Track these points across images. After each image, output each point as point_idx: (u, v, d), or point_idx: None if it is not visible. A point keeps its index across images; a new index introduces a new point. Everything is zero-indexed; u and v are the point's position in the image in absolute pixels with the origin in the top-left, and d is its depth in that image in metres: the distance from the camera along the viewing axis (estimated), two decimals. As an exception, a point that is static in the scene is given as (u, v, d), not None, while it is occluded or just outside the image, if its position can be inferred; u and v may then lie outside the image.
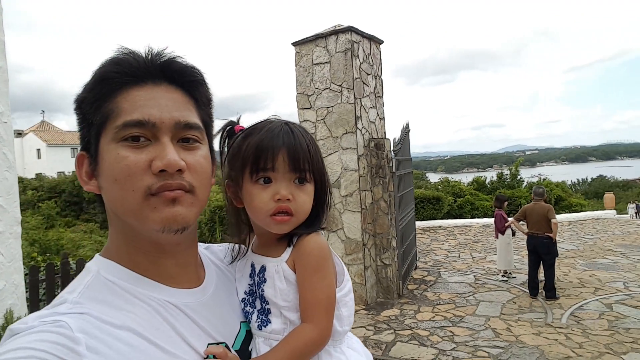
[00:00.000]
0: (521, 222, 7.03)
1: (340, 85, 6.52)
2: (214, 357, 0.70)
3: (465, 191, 19.73)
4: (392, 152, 7.19)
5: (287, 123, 0.85)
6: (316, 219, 0.86)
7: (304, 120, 6.87)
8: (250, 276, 0.87)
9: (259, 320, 0.83)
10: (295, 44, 6.95)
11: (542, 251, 6.51)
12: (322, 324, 0.79)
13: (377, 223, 6.81)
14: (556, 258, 6.73)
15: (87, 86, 0.70)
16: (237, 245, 0.92)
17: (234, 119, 0.90)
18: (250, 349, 0.82)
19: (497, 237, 7.85)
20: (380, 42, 7.36)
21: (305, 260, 0.81)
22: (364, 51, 6.85)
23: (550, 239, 6.47)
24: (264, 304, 0.83)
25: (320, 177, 0.85)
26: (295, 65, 6.94)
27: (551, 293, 6.51)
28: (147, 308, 0.68)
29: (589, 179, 57.83)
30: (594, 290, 6.91)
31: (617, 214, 16.87)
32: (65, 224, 18.61)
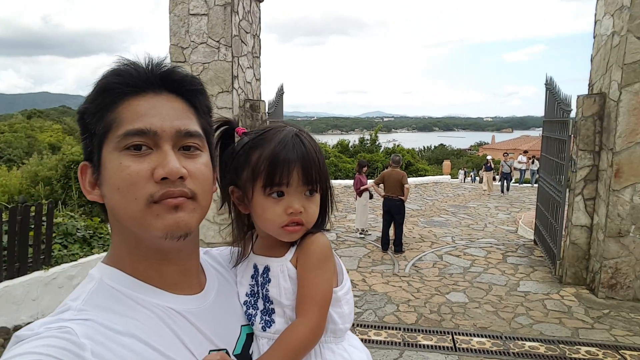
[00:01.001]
0: (380, 186, 7.88)
1: (217, 42, 6.26)
2: None
3: (331, 153, 20.96)
4: (267, 114, 7.27)
5: (297, 134, 0.83)
6: (320, 220, 0.88)
7: (177, 75, 6.47)
8: (252, 277, 0.87)
9: (262, 321, 0.84)
10: (169, -12, 6.38)
11: (395, 212, 7.48)
12: (315, 319, 0.79)
13: (251, 184, 6.92)
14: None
15: (89, 97, 0.70)
16: (237, 249, 0.92)
17: (230, 117, 0.88)
18: (251, 352, 0.83)
19: (356, 198, 8.69)
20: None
21: (308, 257, 0.83)
22: (243, 8, 6.64)
23: (403, 201, 7.44)
24: (267, 304, 0.84)
25: (326, 184, 0.86)
26: (170, 13, 6.39)
27: (399, 247, 7.58)
28: (150, 314, 0.69)
29: (433, 147, 66.17)
30: (431, 244, 8.24)
31: (451, 178, 19.92)
32: None
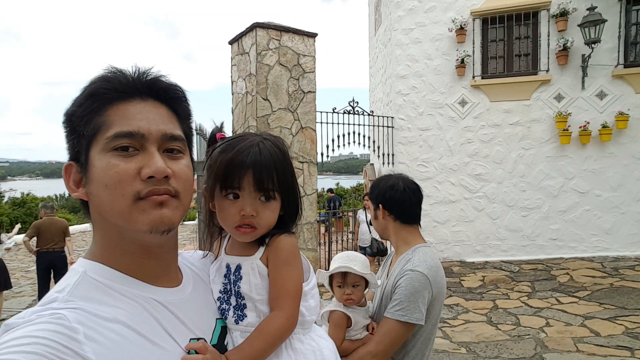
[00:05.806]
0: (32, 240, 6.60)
1: None
2: (195, 352, 0.75)
3: None
4: None
5: (259, 143, 0.89)
6: (285, 224, 0.94)
7: None
8: (224, 276, 0.93)
9: (235, 315, 0.89)
10: None
11: (60, 266, 6.33)
12: (290, 311, 0.87)
13: None
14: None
15: (77, 101, 0.74)
16: (206, 252, 0.99)
17: (219, 125, 0.96)
18: (226, 343, 0.88)
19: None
20: None
21: (278, 255, 0.90)
22: None
23: (65, 253, 6.51)
24: (239, 300, 0.90)
25: (288, 192, 0.92)
26: None
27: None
28: (134, 304, 0.72)
29: (67, 195, 58.99)
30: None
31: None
32: None
